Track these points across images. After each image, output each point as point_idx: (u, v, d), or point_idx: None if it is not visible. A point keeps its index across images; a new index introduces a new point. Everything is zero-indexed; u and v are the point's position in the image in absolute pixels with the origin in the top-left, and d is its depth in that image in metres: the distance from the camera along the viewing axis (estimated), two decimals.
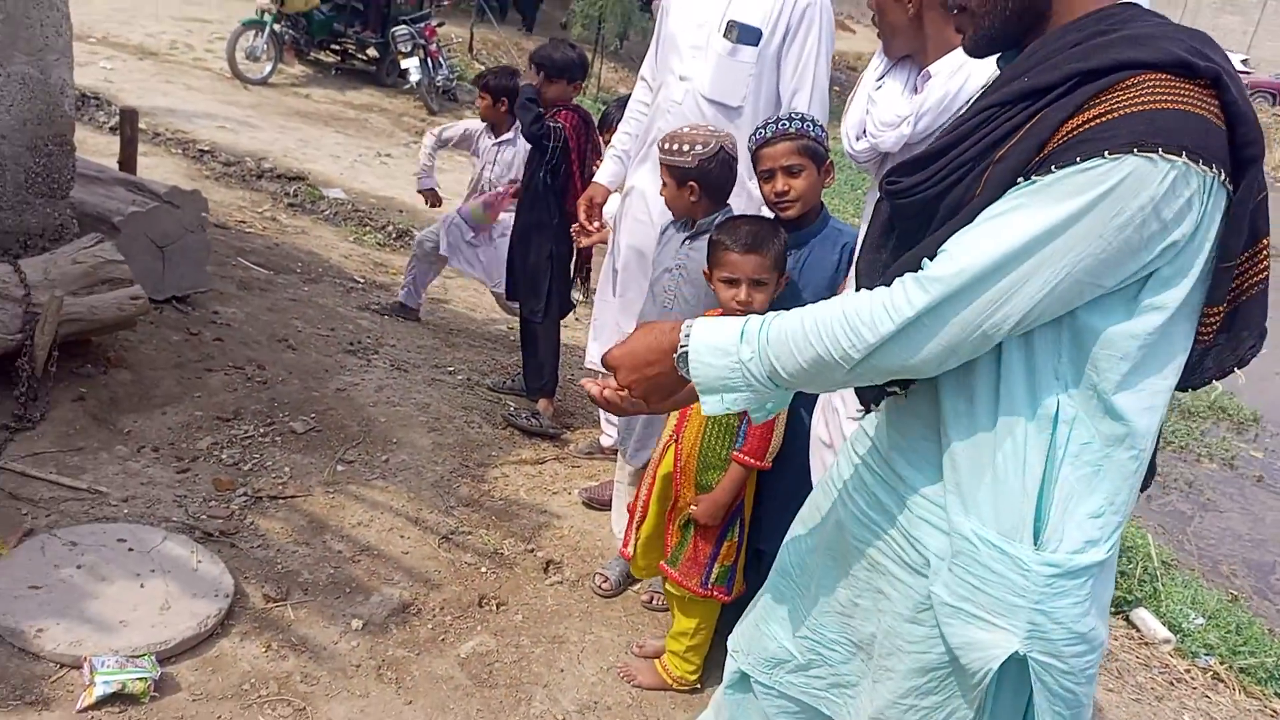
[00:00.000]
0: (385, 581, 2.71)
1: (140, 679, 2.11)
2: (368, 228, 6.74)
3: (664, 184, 2.72)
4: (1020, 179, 1.18)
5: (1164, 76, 1.13)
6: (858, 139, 2.07)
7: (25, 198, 3.54)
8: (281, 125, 9.16)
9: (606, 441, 3.61)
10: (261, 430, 3.32)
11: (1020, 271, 1.16)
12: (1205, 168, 1.12)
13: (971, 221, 1.20)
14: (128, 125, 4.64)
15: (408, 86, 11.36)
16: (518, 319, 4.12)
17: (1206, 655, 3.55)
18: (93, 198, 3.95)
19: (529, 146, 3.89)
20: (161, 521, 2.71)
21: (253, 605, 2.50)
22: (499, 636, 2.61)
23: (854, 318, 1.22)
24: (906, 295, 1.20)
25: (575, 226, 3.44)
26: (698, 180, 2.62)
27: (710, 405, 1.31)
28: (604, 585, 2.90)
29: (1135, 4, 1.24)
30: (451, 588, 2.76)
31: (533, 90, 3.78)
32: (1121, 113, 1.12)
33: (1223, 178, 1.14)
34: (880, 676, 1.44)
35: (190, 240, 4.13)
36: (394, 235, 6.79)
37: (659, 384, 1.37)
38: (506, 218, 4.48)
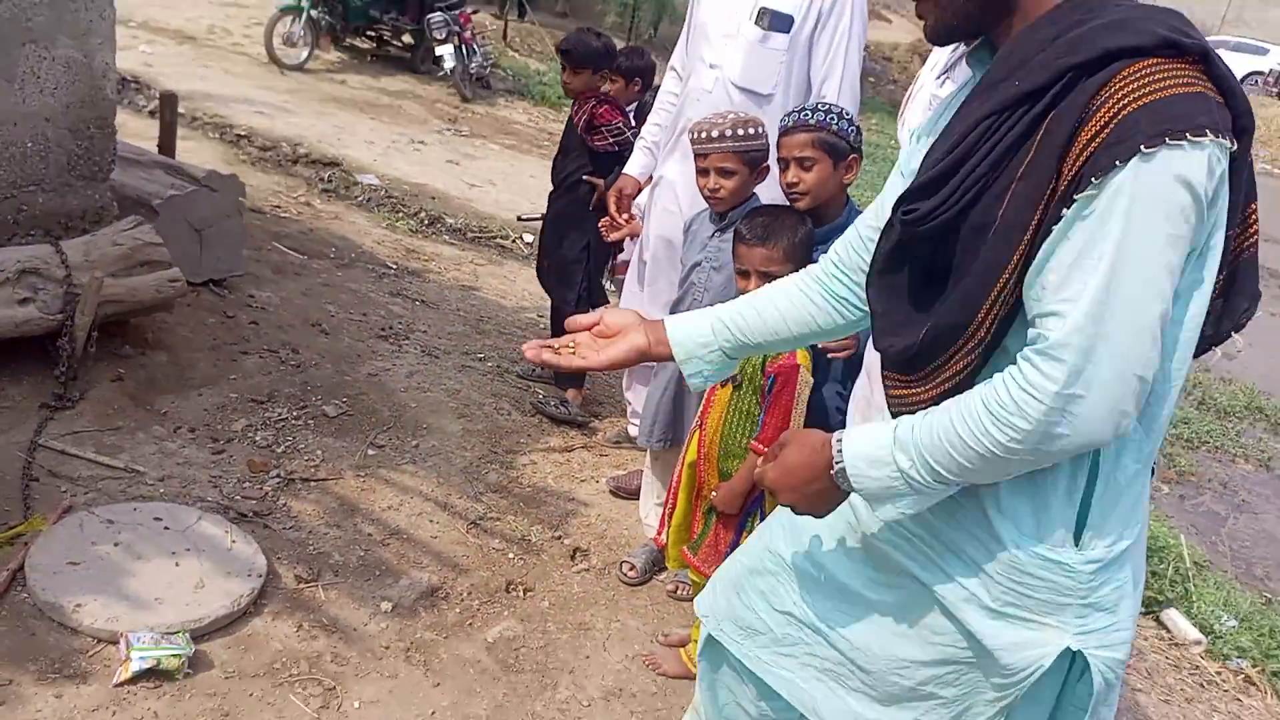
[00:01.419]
0: (414, 565, 2.74)
1: (175, 655, 2.15)
2: (400, 214, 6.78)
3: (728, 173, 2.62)
4: (1049, 193, 1.16)
5: (1156, 61, 1.13)
6: (940, 84, 2.01)
7: (67, 180, 3.60)
8: (318, 111, 9.23)
9: (634, 431, 3.62)
10: (295, 413, 3.36)
11: (1127, 296, 1.13)
12: (1225, 139, 1.14)
13: (1014, 248, 1.19)
14: (167, 109, 4.70)
15: (442, 74, 11.38)
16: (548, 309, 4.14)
17: (1238, 658, 3.50)
18: (132, 180, 4.01)
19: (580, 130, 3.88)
20: (197, 501, 2.75)
21: (285, 585, 2.53)
22: (526, 622, 2.64)
23: (998, 410, 1.18)
24: (1041, 372, 1.16)
25: (604, 221, 3.44)
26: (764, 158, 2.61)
27: (885, 513, 1.31)
28: (630, 573, 2.91)
29: None
30: (479, 573, 2.79)
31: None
32: (1134, 106, 1.12)
33: (1234, 148, 1.16)
34: (890, 668, 1.45)
35: (227, 224, 4.18)
36: (426, 222, 6.82)
37: (825, 498, 1.37)
38: None
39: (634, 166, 3.35)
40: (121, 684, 2.09)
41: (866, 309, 1.53)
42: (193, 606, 2.32)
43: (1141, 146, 1.10)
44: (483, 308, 5.33)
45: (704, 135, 2.60)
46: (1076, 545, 1.28)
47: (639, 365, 3.16)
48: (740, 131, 2.58)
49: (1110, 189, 1.12)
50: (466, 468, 3.31)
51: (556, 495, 3.30)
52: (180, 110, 7.96)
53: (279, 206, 6.15)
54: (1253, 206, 1.27)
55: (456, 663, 2.42)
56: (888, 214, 1.42)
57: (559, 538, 3.06)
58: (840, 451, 1.32)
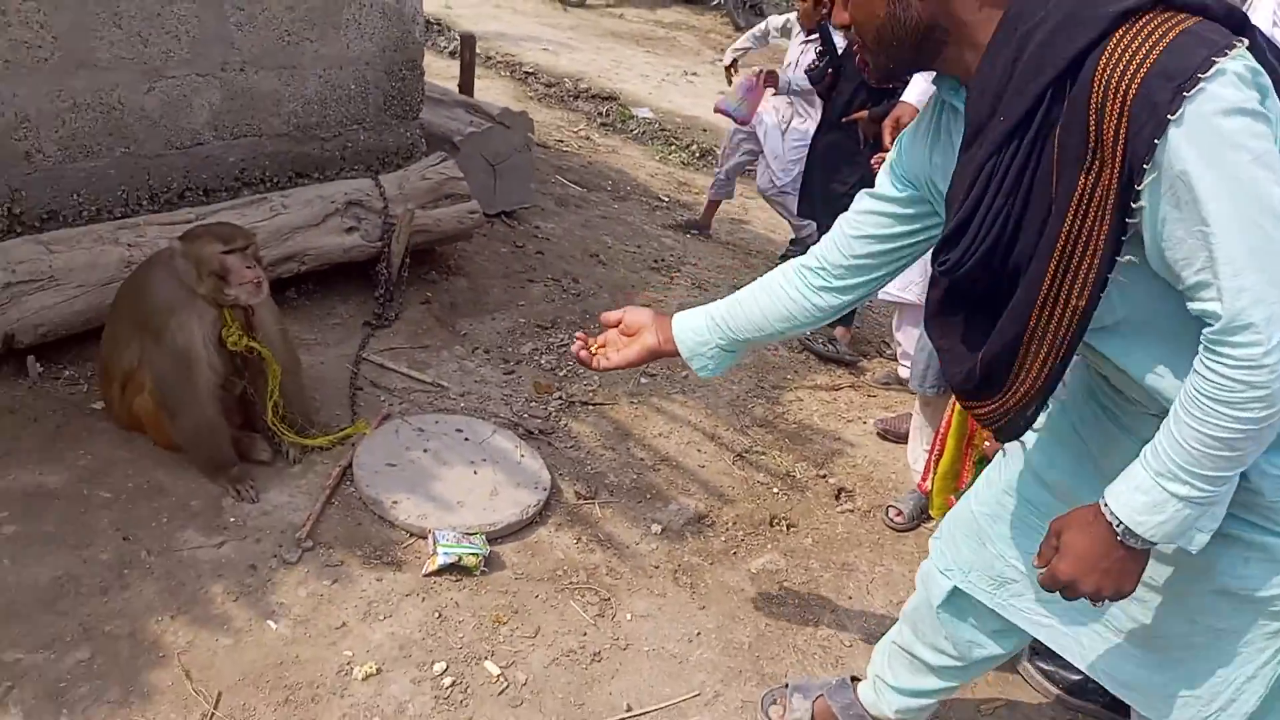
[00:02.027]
0: (682, 492, 2.86)
1: (473, 554, 2.38)
2: (673, 147, 6.91)
3: None
4: (1079, 201, 1.19)
5: (1122, 33, 1.14)
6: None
7: (384, 119, 3.97)
8: (597, 46, 9.52)
9: (904, 373, 3.53)
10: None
11: (1259, 233, 1.11)
12: (1233, 46, 1.12)
13: (1046, 260, 1.23)
14: (466, 50, 5.03)
15: (715, 3, 11.36)
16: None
17: None
18: (437, 119, 4.35)
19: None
20: (490, 417, 3.01)
21: (566, 500, 2.73)
22: (788, 557, 2.69)
23: (1229, 396, 1.16)
24: (1240, 344, 1.14)
25: (878, 157, 3.32)
26: None
27: (1198, 542, 1.30)
28: (897, 518, 2.88)
29: None
30: (744, 504, 2.86)
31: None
32: (1135, 87, 1.12)
33: (1247, 42, 1.15)
34: (1158, 603, 1.45)
35: (518, 158, 4.45)
36: (697, 154, 6.91)
37: (1127, 568, 1.33)
38: (804, 127, 4.40)
39: (912, 93, 3.19)
40: (429, 575, 2.35)
41: (844, 299, 1.71)
42: (488, 511, 2.55)
43: (1167, 116, 1.11)
44: (752, 241, 5.36)
45: None
46: None
47: (909, 305, 3.10)
48: None
49: (1167, 164, 1.13)
50: (733, 400, 3.39)
51: (822, 433, 3.30)
52: (476, 50, 8.48)
53: (561, 141, 6.45)
54: None
55: (721, 589, 2.52)
56: (875, 207, 1.60)
57: (824, 476, 3.07)
58: (1113, 513, 1.29)
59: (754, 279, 1.81)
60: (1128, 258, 1.22)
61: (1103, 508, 1.31)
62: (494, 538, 2.51)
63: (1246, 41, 1.14)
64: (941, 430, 2.52)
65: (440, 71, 6.70)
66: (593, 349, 1.89)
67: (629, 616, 2.37)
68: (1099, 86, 1.14)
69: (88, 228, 2.99)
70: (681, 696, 2.17)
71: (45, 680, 1.90)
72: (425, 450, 2.73)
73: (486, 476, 2.69)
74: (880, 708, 2.04)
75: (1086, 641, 1.61)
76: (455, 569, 2.37)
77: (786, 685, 2.18)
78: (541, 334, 3.58)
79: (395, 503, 2.52)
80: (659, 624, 2.36)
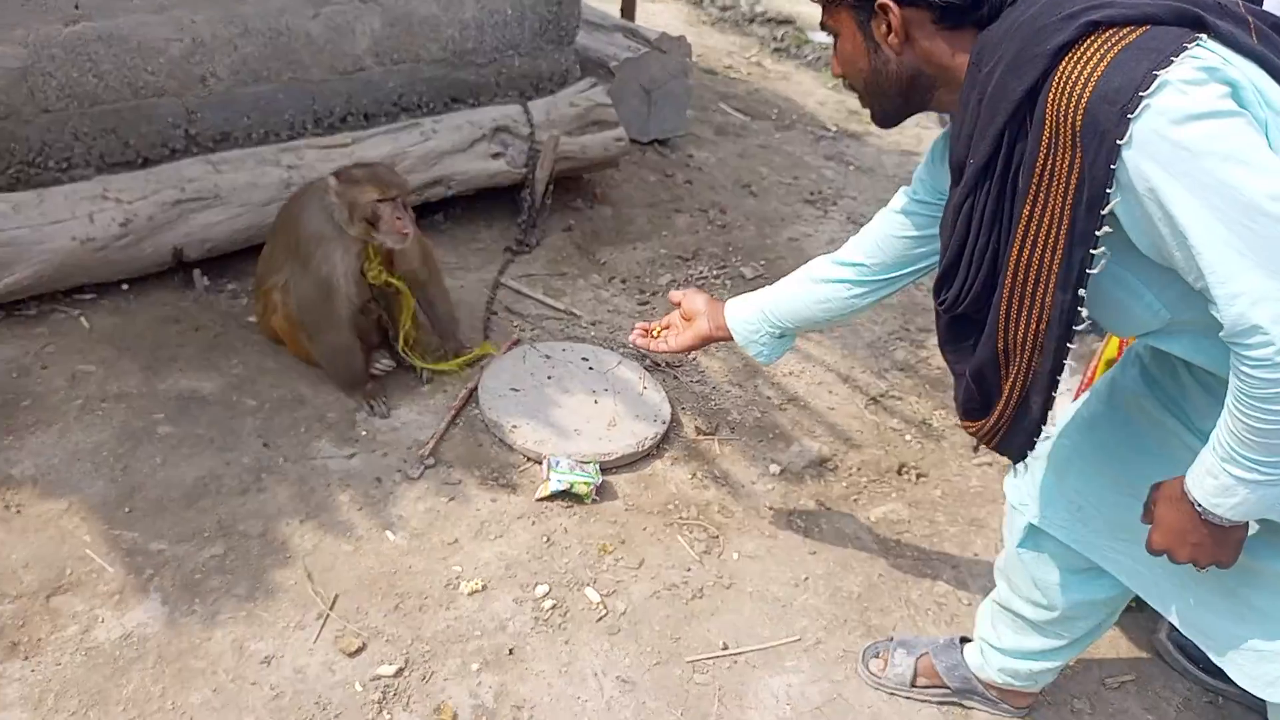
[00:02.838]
0: (807, 433, 2.77)
1: (585, 482, 2.41)
2: None
3: None
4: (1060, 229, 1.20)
5: (1066, 64, 1.13)
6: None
7: (539, 44, 3.97)
8: None
9: None
10: (714, 272, 3.50)
11: (1244, 229, 1.07)
12: (1186, 48, 1.09)
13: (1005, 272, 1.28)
14: None
15: None
16: None
17: None
18: (595, 44, 4.31)
19: None
20: (619, 347, 3.01)
21: (685, 434, 2.71)
22: (913, 507, 2.57)
23: (1267, 391, 1.12)
24: (1255, 344, 1.10)
25: None
26: None
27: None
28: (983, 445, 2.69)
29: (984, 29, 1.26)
30: (872, 450, 2.75)
31: None
32: (1079, 116, 1.11)
33: (1206, 35, 1.12)
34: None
35: (674, 85, 4.37)
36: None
37: (1219, 543, 1.31)
38: None
39: None
40: (541, 499, 2.39)
41: (883, 293, 1.80)
42: (604, 441, 2.57)
43: (1117, 142, 1.09)
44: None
45: None
46: None
47: None
48: None
49: (1132, 184, 1.12)
50: (874, 342, 3.24)
51: None
52: None
53: (730, 67, 6.27)
54: None
55: (836, 535, 2.44)
56: (911, 207, 1.67)
57: None
58: (1194, 498, 1.28)
59: None
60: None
61: (1185, 490, 1.29)
62: (608, 468, 2.52)
63: (1205, 35, 1.10)
64: (1084, 383, 2.32)
65: None
66: (655, 332, 2.06)
67: (736, 555, 2.34)
68: (1050, 121, 1.14)
69: (254, 150, 3.16)
70: (780, 640, 2.13)
71: (183, 571, 2.07)
72: (549, 377, 2.77)
73: (606, 406, 2.69)
74: (987, 671, 1.94)
75: (1165, 584, 1.57)
76: (567, 495, 2.40)
77: (891, 639, 2.10)
78: (682, 265, 3.53)
79: (515, 427, 2.57)
80: (766, 565, 2.32)
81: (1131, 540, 1.53)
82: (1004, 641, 1.88)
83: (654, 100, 4.31)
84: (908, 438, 2.82)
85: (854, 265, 1.78)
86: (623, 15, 4.89)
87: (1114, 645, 2.19)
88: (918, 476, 2.68)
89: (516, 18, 3.86)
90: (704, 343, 2.02)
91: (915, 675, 2.02)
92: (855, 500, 2.57)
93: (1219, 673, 2.07)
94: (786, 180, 4.38)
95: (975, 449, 2.81)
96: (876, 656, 2.08)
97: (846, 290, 1.80)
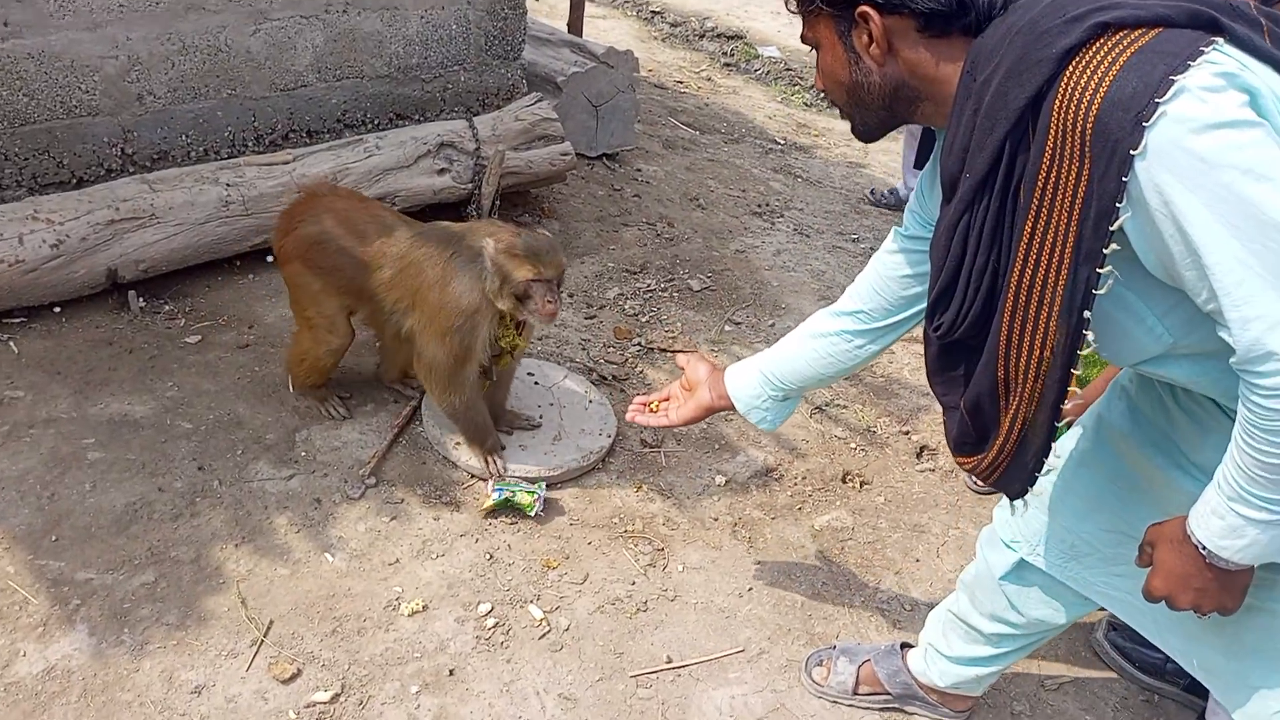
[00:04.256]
0: (753, 444, 2.77)
1: (528, 493, 2.39)
2: (796, 87, 6.66)
3: None
4: (1067, 246, 1.12)
5: (1072, 69, 1.06)
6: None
7: (484, 60, 3.96)
8: None
9: None
10: (662, 285, 3.50)
11: (1255, 254, 1.01)
12: (1202, 51, 1.02)
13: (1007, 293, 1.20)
14: None
15: None
16: None
17: None
18: (542, 59, 4.31)
19: None
20: (566, 361, 3.00)
21: (631, 447, 2.70)
22: (857, 515, 2.57)
23: (1274, 422, 1.06)
24: (1264, 373, 1.04)
25: None
26: None
27: None
28: (979, 481, 2.71)
29: (975, 37, 1.20)
30: (816, 459, 2.76)
31: None
32: (1090, 123, 1.04)
33: (1221, 39, 1.05)
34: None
35: (621, 100, 4.38)
36: (821, 95, 6.64)
37: (1224, 588, 1.23)
38: None
39: None
40: (485, 514, 2.37)
41: (889, 339, 1.71)
42: (550, 456, 2.55)
43: (1130, 152, 1.02)
44: (868, 186, 5.11)
45: None
46: None
47: None
48: None
49: (1144, 199, 1.04)
50: None
51: (910, 389, 3.14)
52: None
53: (680, 81, 6.31)
54: None
55: (780, 544, 2.44)
56: (905, 245, 1.59)
57: (906, 433, 2.92)
58: (1197, 539, 1.20)
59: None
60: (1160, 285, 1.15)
61: (1187, 532, 1.21)
62: (553, 483, 2.50)
63: (1222, 39, 1.03)
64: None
65: (562, 11, 6.65)
66: (654, 405, 1.98)
67: (681, 567, 2.33)
68: (1056, 130, 1.07)
69: (192, 168, 3.12)
70: (724, 651, 2.13)
71: (111, 600, 2.02)
72: None
73: (552, 421, 2.68)
74: (930, 676, 1.94)
75: (1162, 619, 1.51)
76: (512, 510, 2.38)
77: (834, 647, 2.10)
78: (629, 279, 3.53)
79: (458, 444, 2.54)
80: (710, 577, 2.31)
81: (1127, 575, 1.50)
82: (953, 650, 1.88)
83: (601, 115, 4.32)
84: (852, 445, 2.83)
85: (852, 314, 1.70)
86: (570, 31, 4.90)
87: (1053, 646, 2.21)
88: (861, 484, 2.69)
89: (461, 33, 3.86)
90: (707, 414, 1.92)
91: (858, 683, 2.02)
92: (800, 509, 2.57)
93: (1154, 671, 2.11)
94: (735, 193, 4.40)
95: (918, 455, 2.83)
96: (820, 665, 2.07)
97: (847, 342, 1.72)
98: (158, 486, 2.31)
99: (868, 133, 1.40)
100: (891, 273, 1.63)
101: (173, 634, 1.97)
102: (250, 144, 3.47)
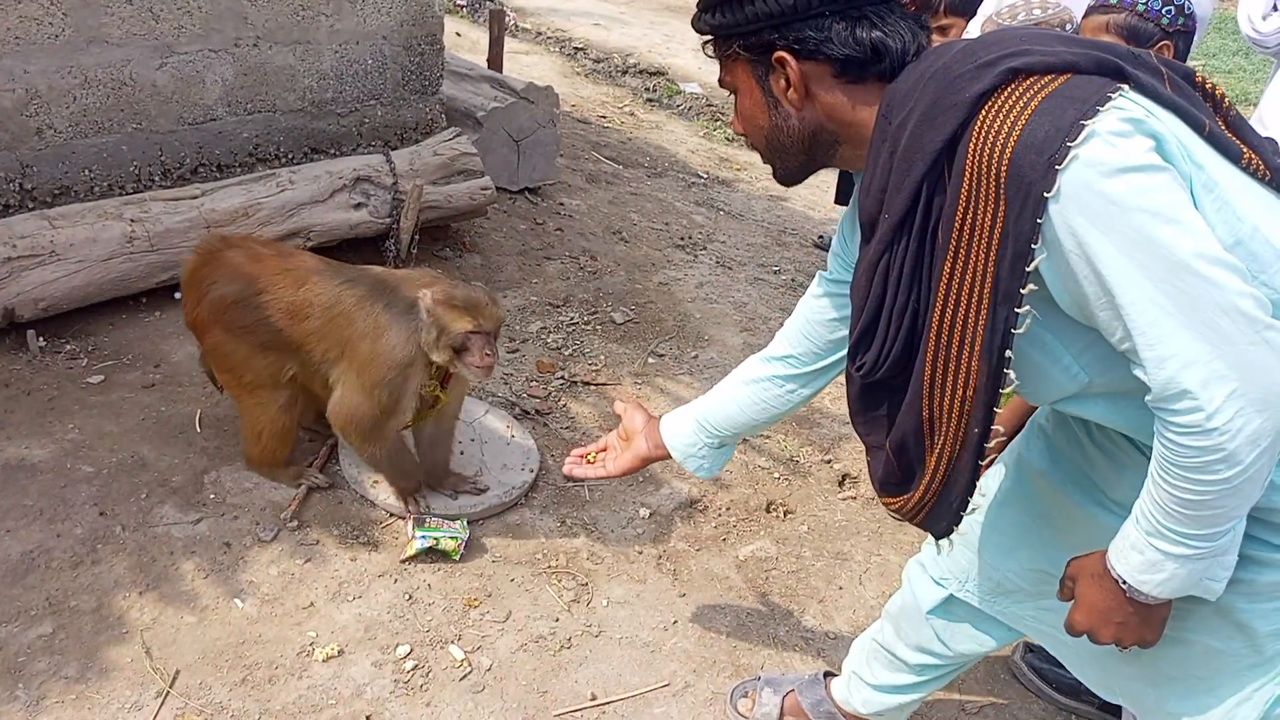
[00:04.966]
0: (677, 476, 2.77)
1: (452, 538, 2.34)
2: (718, 122, 6.75)
3: None
4: (984, 285, 1.12)
5: (985, 112, 1.07)
6: (1264, 18, 1.76)
7: (401, 94, 3.94)
8: (650, 21, 9.38)
9: None
10: (585, 318, 3.49)
11: (1170, 290, 1.03)
12: (1109, 98, 1.05)
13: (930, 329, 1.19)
14: (495, 24, 4.96)
15: None
16: None
17: None
18: (461, 94, 4.30)
19: None
20: (487, 396, 2.96)
21: (554, 482, 2.67)
22: (781, 544, 2.58)
23: (1193, 461, 1.07)
24: (1182, 411, 1.05)
25: None
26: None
27: (1213, 593, 1.22)
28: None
29: (889, 82, 1.22)
30: (740, 489, 2.76)
31: None
32: (1004, 167, 1.05)
33: (1127, 86, 1.08)
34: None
35: (543, 134, 4.38)
36: (741, 138, 6.75)
37: (1144, 621, 1.24)
38: None
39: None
40: (406, 560, 2.31)
41: (820, 382, 1.71)
42: (471, 494, 2.50)
43: (1044, 195, 1.03)
44: (788, 219, 5.20)
45: (1005, 20, 2.30)
46: None
47: None
48: (1038, 14, 2.24)
49: (1058, 240, 1.06)
50: None
51: (832, 418, 3.17)
52: (526, 25, 8.40)
53: (604, 117, 6.36)
54: (1199, 77, 1.19)
55: (705, 576, 2.43)
56: (831, 290, 1.59)
57: (829, 462, 2.95)
58: (1117, 573, 1.21)
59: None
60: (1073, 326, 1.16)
61: (1106, 565, 1.22)
62: (475, 520, 2.46)
63: (1127, 86, 1.07)
64: None
65: (484, 48, 6.66)
66: (591, 457, 1.96)
67: (605, 602, 2.30)
68: (971, 172, 1.08)
69: (94, 204, 3.02)
70: (649, 687, 2.10)
71: (6, 654, 1.91)
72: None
73: (474, 457, 2.63)
74: (852, 704, 1.94)
75: (1084, 650, 1.52)
76: (433, 553, 2.33)
77: (759, 678, 2.09)
78: (552, 312, 3.52)
79: (375, 483, 2.49)
80: (635, 611, 2.29)
81: (1053, 609, 1.51)
82: (877, 678, 1.88)
83: (523, 149, 4.32)
84: (775, 475, 2.85)
85: (782, 359, 1.71)
86: (490, 66, 4.90)
87: (972, 670, 2.23)
88: (785, 513, 2.70)
89: (378, 68, 3.83)
90: (644, 464, 1.91)
91: (782, 713, 2.01)
92: (724, 540, 2.57)
93: (1071, 692, 2.14)
94: (658, 226, 4.43)
95: (840, 483, 2.86)
96: (745, 696, 2.06)
97: (779, 387, 1.72)
98: (56, 533, 2.20)
99: (788, 176, 1.40)
100: (818, 316, 1.64)
101: (72, 687, 1.87)
102: (157, 178, 3.38)
